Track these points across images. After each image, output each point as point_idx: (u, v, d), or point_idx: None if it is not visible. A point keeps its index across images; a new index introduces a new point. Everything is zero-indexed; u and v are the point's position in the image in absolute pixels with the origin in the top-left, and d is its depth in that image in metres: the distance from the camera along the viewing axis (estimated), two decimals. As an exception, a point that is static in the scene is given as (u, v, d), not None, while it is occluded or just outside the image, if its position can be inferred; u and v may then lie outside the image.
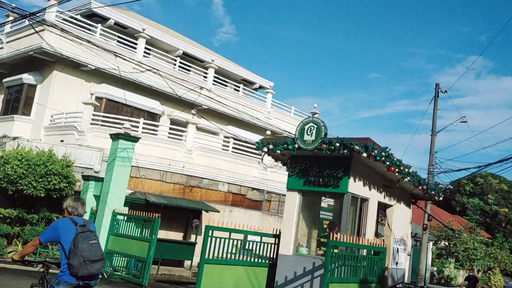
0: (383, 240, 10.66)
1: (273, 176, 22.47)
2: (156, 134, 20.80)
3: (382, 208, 11.48)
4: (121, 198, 15.66)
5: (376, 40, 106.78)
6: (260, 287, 10.21)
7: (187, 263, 18.73)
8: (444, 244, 32.25)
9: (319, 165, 10.11)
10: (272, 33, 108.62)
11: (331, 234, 8.30)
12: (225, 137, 23.76)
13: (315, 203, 11.12)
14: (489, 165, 17.15)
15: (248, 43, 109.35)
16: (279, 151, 10.27)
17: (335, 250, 9.13)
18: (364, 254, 9.61)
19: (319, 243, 10.59)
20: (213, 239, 9.37)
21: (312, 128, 9.88)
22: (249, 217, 21.38)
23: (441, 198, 12.59)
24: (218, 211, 19.23)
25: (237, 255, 9.96)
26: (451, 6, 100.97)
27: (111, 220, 15.28)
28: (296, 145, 10.01)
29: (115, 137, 15.75)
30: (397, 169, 9.79)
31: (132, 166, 15.83)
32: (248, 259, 10.10)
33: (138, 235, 14.90)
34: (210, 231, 9.35)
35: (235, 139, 22.77)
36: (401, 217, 11.85)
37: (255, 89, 30.06)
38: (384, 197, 11.17)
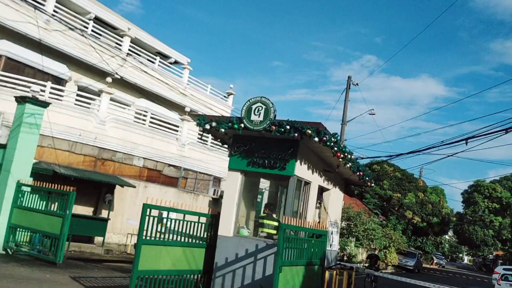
0: (319, 223, 10.74)
1: (191, 153, 21.92)
2: (61, 101, 19.06)
3: (319, 192, 11.57)
4: (27, 168, 14.27)
5: (281, 30, 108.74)
6: (198, 268, 9.80)
7: (97, 239, 17.62)
8: (345, 224, 34.10)
9: (265, 147, 9.85)
10: (179, 11, 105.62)
11: (284, 218, 8.09)
12: (141, 110, 22.58)
13: (254, 184, 10.88)
14: (400, 155, 18.15)
15: (153, 17, 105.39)
16: (223, 130, 9.81)
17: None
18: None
19: (259, 225, 10.39)
20: (151, 219, 8.73)
21: (260, 108, 9.56)
22: (164, 194, 20.67)
23: (373, 184, 12.99)
24: (134, 186, 18.32)
25: (174, 236, 9.40)
26: (351, 6, 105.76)
27: (15, 192, 13.92)
28: (242, 125, 9.63)
29: (21, 100, 14.20)
30: (342, 155, 9.86)
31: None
32: (185, 240, 9.59)
33: (48, 209, 13.66)
34: (148, 210, 8.69)
35: (154, 114, 21.72)
36: (336, 201, 12.07)
37: (171, 64, 28.90)
38: (324, 181, 11.26)
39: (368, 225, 39.83)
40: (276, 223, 10.15)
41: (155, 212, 9.16)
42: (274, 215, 10.34)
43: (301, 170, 9.89)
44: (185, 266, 9.49)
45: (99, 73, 21.12)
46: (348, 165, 10.61)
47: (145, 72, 21.53)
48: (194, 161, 22.09)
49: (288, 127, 9.16)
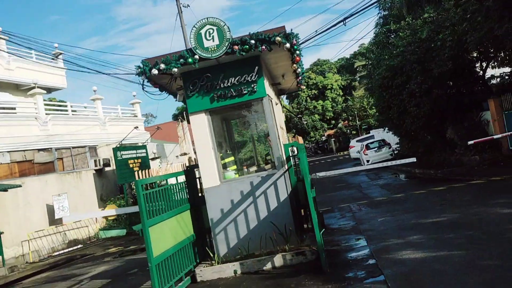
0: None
1: (56, 129, 18.90)
2: None
3: (274, 108, 10.75)
4: None
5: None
6: (191, 233, 8.53)
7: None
8: None
9: (225, 75, 8.58)
10: None
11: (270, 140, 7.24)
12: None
13: (223, 119, 9.69)
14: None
15: None
16: (175, 69, 8.21)
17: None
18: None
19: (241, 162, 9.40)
20: (146, 196, 7.13)
21: (211, 31, 8.16)
22: (45, 184, 17.76)
23: (303, 86, 12.48)
24: (20, 185, 15.18)
25: (163, 207, 7.91)
26: None
27: None
28: (197, 56, 8.18)
29: None
30: (300, 58, 9.11)
31: None
32: (173, 207, 8.16)
33: None
34: (143, 186, 7.04)
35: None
36: (278, 113, 11.39)
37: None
38: (274, 96, 10.48)
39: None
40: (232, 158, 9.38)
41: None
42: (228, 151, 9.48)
43: (268, 89, 8.96)
44: (183, 236, 8.17)
45: None
46: (298, 70, 9.97)
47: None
48: (63, 137, 19.08)
49: (253, 41, 8.01)
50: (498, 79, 20.56)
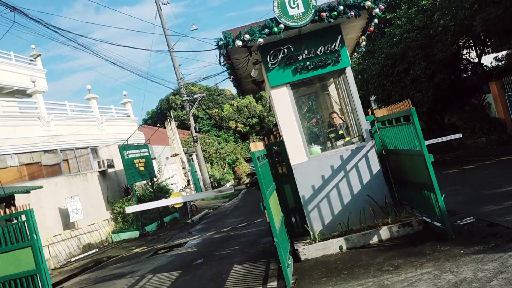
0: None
1: (59, 129, 17.90)
2: None
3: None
4: None
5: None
6: (281, 212, 8.08)
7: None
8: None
9: (306, 45, 8.21)
10: None
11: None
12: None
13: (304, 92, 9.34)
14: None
15: None
16: (260, 39, 7.77)
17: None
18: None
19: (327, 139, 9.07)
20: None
21: (295, -1, 7.80)
22: (55, 186, 16.78)
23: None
24: (42, 187, 14.20)
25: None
26: None
27: None
28: (282, 25, 7.77)
29: None
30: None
31: None
32: (268, 185, 7.71)
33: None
34: (258, 158, 6.62)
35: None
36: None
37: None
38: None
39: (216, 144, 40.00)
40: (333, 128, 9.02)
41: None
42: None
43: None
44: (279, 214, 7.75)
45: None
46: (363, 43, 9.73)
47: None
48: (67, 138, 18.03)
49: (341, 7, 7.67)
50: (499, 62, 21.13)
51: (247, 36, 7.74)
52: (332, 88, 10.03)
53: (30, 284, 9.32)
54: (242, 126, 54.27)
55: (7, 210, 12.58)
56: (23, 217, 8.72)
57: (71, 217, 16.12)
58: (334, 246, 7.61)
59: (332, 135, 9.12)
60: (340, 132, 9.01)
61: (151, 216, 20.09)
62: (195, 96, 30.51)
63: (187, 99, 30.02)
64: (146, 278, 9.76)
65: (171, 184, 24.20)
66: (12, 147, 15.39)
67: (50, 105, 18.41)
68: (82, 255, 16.06)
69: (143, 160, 20.48)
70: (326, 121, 9.80)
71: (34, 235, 9.32)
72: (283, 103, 8.32)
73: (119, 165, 19.85)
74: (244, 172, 38.95)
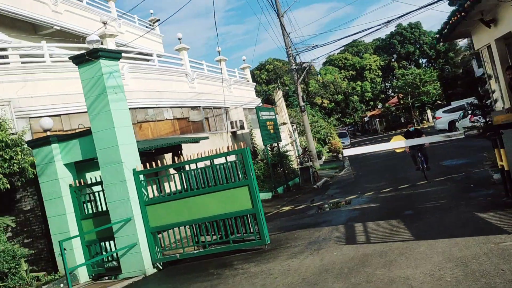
0: None
1: (201, 88, 18.09)
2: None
3: None
4: (133, 150, 9.89)
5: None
6: None
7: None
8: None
9: None
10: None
11: None
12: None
13: None
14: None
15: None
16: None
17: None
18: None
19: None
20: None
21: None
22: (201, 143, 16.96)
23: None
24: (208, 137, 14.47)
25: None
26: None
27: (137, 184, 9.60)
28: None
29: (90, 57, 9.42)
30: None
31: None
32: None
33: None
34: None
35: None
36: None
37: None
38: None
39: (314, 118, 39.74)
40: None
41: None
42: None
43: None
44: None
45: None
46: None
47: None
48: (207, 96, 18.25)
49: None
50: None
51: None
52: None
53: (245, 224, 9.43)
54: (328, 102, 53.43)
55: (175, 158, 12.91)
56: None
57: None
58: None
59: None
60: None
61: (278, 179, 20.08)
62: (304, 65, 30.14)
63: (295, 68, 29.73)
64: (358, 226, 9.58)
65: (288, 151, 24.12)
66: (168, 101, 15.71)
67: (192, 63, 18.65)
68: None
69: (272, 123, 20.44)
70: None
71: (251, 174, 9.40)
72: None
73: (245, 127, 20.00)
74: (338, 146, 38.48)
